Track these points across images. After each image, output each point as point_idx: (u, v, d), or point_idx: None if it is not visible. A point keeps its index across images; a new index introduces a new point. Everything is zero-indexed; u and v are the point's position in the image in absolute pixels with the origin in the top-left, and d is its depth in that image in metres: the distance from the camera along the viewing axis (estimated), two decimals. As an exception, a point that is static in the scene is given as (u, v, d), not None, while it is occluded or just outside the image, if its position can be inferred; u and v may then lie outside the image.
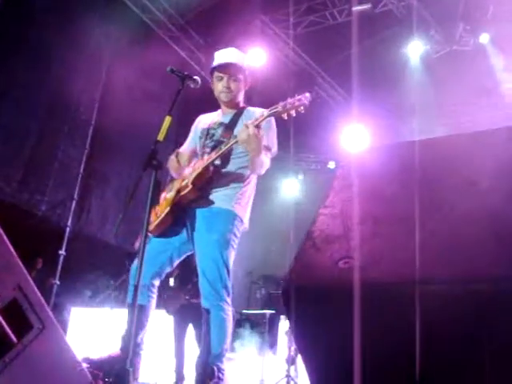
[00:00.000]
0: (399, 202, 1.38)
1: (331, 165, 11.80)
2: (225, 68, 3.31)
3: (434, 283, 1.19)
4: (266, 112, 2.92)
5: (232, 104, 3.36)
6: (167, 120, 2.75)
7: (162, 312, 6.58)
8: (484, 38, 8.39)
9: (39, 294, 1.95)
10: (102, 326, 6.13)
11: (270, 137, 3.20)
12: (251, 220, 3.28)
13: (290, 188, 11.60)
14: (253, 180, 3.31)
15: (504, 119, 8.85)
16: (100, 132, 8.46)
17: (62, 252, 7.56)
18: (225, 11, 8.89)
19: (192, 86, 3.09)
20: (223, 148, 3.05)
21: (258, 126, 2.89)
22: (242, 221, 3.16)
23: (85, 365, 2.73)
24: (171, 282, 5.94)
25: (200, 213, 3.09)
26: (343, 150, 10.37)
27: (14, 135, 7.44)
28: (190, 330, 5.76)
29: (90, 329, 6.66)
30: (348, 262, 1.23)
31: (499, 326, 1.16)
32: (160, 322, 6.35)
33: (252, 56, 9.16)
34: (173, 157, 3.21)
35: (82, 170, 8.14)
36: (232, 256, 3.07)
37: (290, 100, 2.84)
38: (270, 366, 7.02)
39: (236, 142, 2.96)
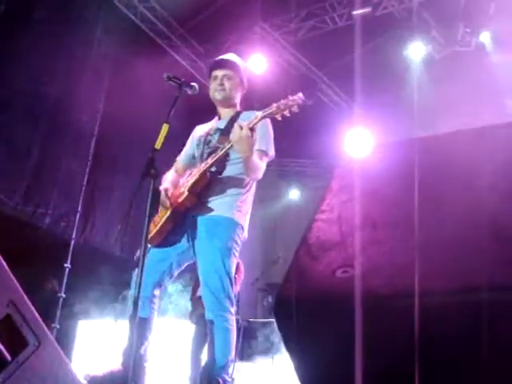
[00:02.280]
0: (398, 205, 1.31)
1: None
2: (219, 64, 3.32)
3: (433, 294, 1.13)
4: (260, 114, 2.89)
5: (226, 104, 3.32)
6: (164, 128, 2.71)
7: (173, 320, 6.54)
8: (485, 37, 8.34)
9: (34, 310, 1.89)
10: (108, 339, 6.09)
11: (267, 140, 3.16)
12: (257, 227, 3.24)
13: (294, 194, 11.55)
14: (252, 187, 3.26)
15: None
16: (103, 143, 8.43)
17: (68, 265, 7.52)
18: (224, 19, 8.88)
19: (190, 92, 3.06)
20: (219, 153, 3.01)
21: (252, 129, 2.84)
22: (242, 228, 3.12)
23: (84, 382, 2.67)
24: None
25: (201, 221, 3.04)
26: (346, 154, 10.30)
27: (16, 148, 7.42)
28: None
29: (96, 341, 6.62)
30: (347, 271, 1.16)
31: (500, 337, 1.11)
32: (174, 331, 6.32)
33: (253, 63, 9.14)
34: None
35: (85, 182, 8.10)
36: (234, 264, 3.02)
37: (283, 101, 2.84)
38: (281, 373, 6.96)
39: (231, 146, 2.92)
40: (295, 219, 10.82)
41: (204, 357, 5.59)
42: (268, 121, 3.17)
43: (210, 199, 3.08)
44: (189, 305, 6.30)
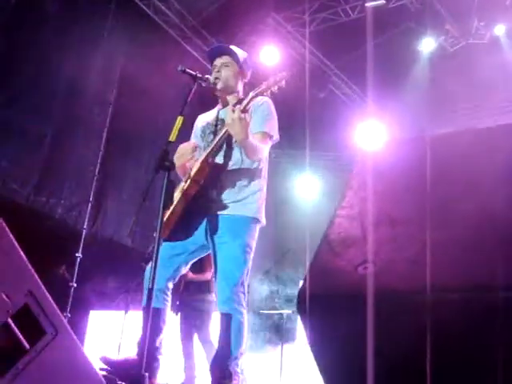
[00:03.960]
0: (414, 202, 1.31)
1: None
2: (217, 52, 3.31)
3: (448, 291, 1.13)
4: (251, 93, 2.91)
5: (226, 93, 3.30)
6: (179, 120, 2.71)
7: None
8: (499, 30, 8.26)
9: (51, 300, 1.91)
10: (119, 329, 6.13)
11: (269, 122, 3.15)
12: (268, 219, 3.25)
13: (306, 186, 11.53)
14: (264, 172, 3.24)
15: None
16: (115, 134, 8.45)
17: (79, 255, 7.57)
18: (237, 11, 8.85)
19: (204, 85, 3.08)
20: (216, 139, 3.01)
21: (244, 110, 2.85)
22: (260, 221, 3.15)
23: (100, 370, 2.70)
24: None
25: (222, 219, 3.06)
26: (359, 147, 10.28)
27: (29, 139, 7.46)
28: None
29: (107, 332, 6.67)
30: (367, 267, 1.17)
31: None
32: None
33: (265, 55, 9.12)
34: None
35: (97, 173, 8.14)
36: (251, 259, 3.07)
37: (271, 78, 2.90)
38: (289, 363, 7.00)
39: (226, 130, 2.93)
40: (306, 211, 10.83)
41: (196, 347, 5.65)
42: (269, 103, 3.18)
43: (227, 197, 3.07)
44: None
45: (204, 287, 5.72)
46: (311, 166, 11.03)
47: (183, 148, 3.09)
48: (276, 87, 2.89)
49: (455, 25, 8.42)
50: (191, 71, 2.97)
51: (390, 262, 1.16)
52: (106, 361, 2.94)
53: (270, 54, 9.15)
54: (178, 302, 5.72)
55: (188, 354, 5.60)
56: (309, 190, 11.38)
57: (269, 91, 2.90)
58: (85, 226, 7.85)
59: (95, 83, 8.14)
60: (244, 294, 3.00)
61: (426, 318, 1.07)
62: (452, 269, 1.16)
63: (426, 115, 9.42)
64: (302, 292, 1.25)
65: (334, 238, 1.26)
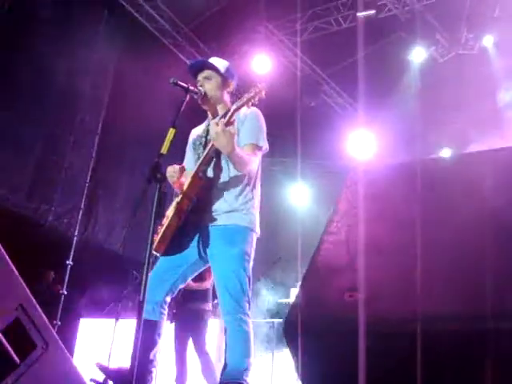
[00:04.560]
0: (403, 229, 1.33)
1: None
2: (195, 67, 3.30)
3: (436, 321, 1.14)
4: (233, 106, 2.93)
5: (212, 106, 3.30)
6: (170, 132, 2.71)
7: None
8: (487, 41, 8.35)
9: (42, 313, 1.92)
10: (109, 337, 6.11)
11: (256, 133, 3.15)
12: (260, 227, 3.25)
13: (298, 195, 11.56)
14: (257, 184, 3.25)
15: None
16: (106, 141, 8.46)
17: (70, 262, 7.55)
18: (229, 19, 8.90)
19: (196, 97, 3.09)
20: (204, 154, 3.03)
21: (229, 123, 2.87)
22: (256, 230, 3.16)
23: (91, 381, 2.70)
24: None
25: (216, 230, 3.06)
26: (350, 156, 10.34)
27: (20, 145, 7.44)
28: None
29: (98, 340, 6.64)
30: (353, 294, 1.18)
31: (506, 370, 1.12)
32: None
33: (257, 63, 9.16)
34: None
35: (88, 180, 8.13)
36: (251, 267, 3.06)
37: (252, 89, 2.89)
38: (280, 370, 7.01)
39: (212, 145, 2.94)
40: (297, 219, 10.85)
41: (189, 356, 5.64)
42: (257, 113, 3.19)
43: (220, 208, 3.08)
44: None
45: (201, 296, 5.71)
46: (302, 174, 11.06)
47: (171, 171, 3.09)
48: (256, 98, 2.90)
49: (445, 35, 8.50)
50: (183, 84, 2.97)
51: (375, 290, 1.17)
52: (101, 367, 2.92)
53: (262, 63, 9.19)
54: (174, 311, 5.70)
55: (181, 364, 5.59)
56: (300, 198, 11.41)
57: (250, 103, 2.91)
58: (76, 233, 7.84)
59: (87, 90, 8.15)
60: (248, 302, 2.98)
61: (410, 346, 1.08)
62: (438, 298, 1.17)
63: (417, 125, 9.49)
64: (288, 318, 1.26)
65: (321, 264, 1.28)
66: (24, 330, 1.86)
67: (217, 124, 2.82)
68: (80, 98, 8.14)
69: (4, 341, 1.79)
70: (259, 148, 3.16)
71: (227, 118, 2.89)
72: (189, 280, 3.26)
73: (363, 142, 9.99)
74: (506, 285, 1.15)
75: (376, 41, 8.73)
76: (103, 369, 2.95)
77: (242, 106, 2.90)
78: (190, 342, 5.70)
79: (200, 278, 5.42)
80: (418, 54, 8.96)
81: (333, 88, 10.36)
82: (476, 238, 1.27)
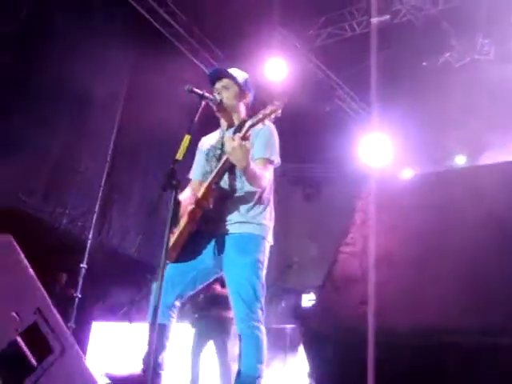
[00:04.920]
0: (415, 242, 1.34)
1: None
2: (215, 75, 3.35)
3: (447, 334, 1.14)
4: (249, 122, 2.94)
5: (227, 115, 3.34)
6: (186, 139, 2.74)
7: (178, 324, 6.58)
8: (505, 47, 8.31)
9: (59, 318, 1.95)
10: (122, 341, 6.15)
11: (270, 147, 3.19)
12: (273, 231, 3.29)
13: (311, 199, 11.57)
14: (271, 198, 3.30)
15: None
16: (122, 146, 8.52)
17: (84, 265, 7.60)
18: (243, 24, 8.93)
19: (211, 104, 3.13)
20: (218, 166, 3.06)
21: (244, 138, 2.89)
22: (268, 240, 3.20)
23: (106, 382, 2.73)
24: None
25: (230, 238, 3.10)
26: (363, 161, 10.32)
27: (36, 148, 7.52)
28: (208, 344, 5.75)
29: (110, 343, 6.68)
30: (365, 306, 1.19)
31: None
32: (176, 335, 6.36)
33: (271, 68, 9.18)
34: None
35: (103, 184, 8.19)
36: (264, 275, 3.09)
37: (269, 106, 2.91)
38: (293, 377, 7.00)
39: (227, 158, 2.97)
40: (310, 224, 10.85)
41: (203, 361, 5.66)
42: (271, 128, 3.22)
43: (233, 218, 3.12)
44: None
45: (224, 302, 5.73)
46: (314, 179, 11.06)
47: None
48: (273, 116, 2.92)
49: (460, 40, 8.47)
50: (198, 90, 3.00)
51: (386, 302, 1.18)
52: (110, 377, 2.96)
53: (275, 68, 9.20)
54: (196, 315, 5.73)
55: (195, 369, 5.61)
56: (312, 203, 11.40)
57: (266, 120, 2.93)
58: (90, 237, 7.89)
59: (103, 95, 8.22)
60: (262, 310, 3.02)
61: (422, 361, 1.08)
62: (447, 312, 1.18)
63: (432, 130, 9.46)
64: (306, 325, 1.28)
65: (337, 274, 1.29)
66: (41, 333, 1.89)
67: (233, 139, 2.85)
68: (95, 103, 8.21)
69: (22, 344, 1.83)
70: (271, 162, 3.20)
71: (243, 132, 2.91)
72: (199, 287, 3.29)
73: (377, 147, 9.96)
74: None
75: (390, 46, 8.71)
76: (113, 378, 2.99)
77: (258, 122, 2.93)
78: (207, 348, 5.71)
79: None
80: (432, 60, 8.92)
81: (347, 93, 10.35)
82: (489, 253, 1.27)
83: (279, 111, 2.91)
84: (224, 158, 3.03)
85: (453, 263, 1.26)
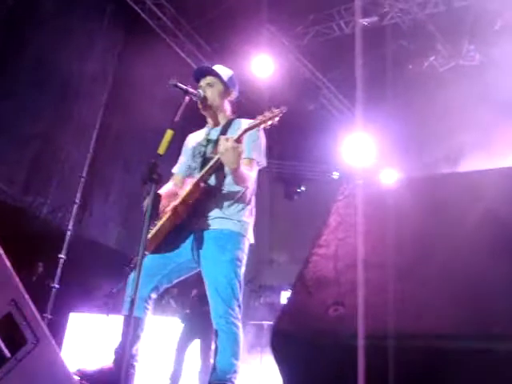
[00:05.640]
0: (393, 245, 1.35)
1: (335, 175, 11.85)
2: (199, 73, 3.37)
3: (413, 338, 1.15)
4: (245, 126, 3.00)
5: (212, 113, 3.36)
6: (168, 134, 2.74)
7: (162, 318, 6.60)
8: (489, 53, 8.39)
9: (34, 309, 1.94)
10: (98, 333, 6.13)
11: (257, 149, 3.22)
12: (254, 229, 3.31)
13: (293, 197, 11.61)
14: (252, 197, 3.33)
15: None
16: (104, 136, 8.46)
17: (62, 255, 7.54)
18: (231, 19, 8.91)
19: (195, 99, 3.13)
20: (209, 165, 3.08)
21: (238, 140, 2.92)
22: (248, 239, 3.22)
23: (77, 378, 2.72)
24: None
25: (209, 234, 3.11)
26: (347, 160, 10.38)
27: (18, 137, 7.45)
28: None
29: (87, 335, 6.65)
30: (337, 309, 1.20)
31: None
32: (159, 329, 6.37)
33: (258, 64, 9.19)
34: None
35: (84, 174, 8.13)
36: (242, 273, 3.11)
37: (266, 113, 2.96)
38: (268, 372, 7.04)
39: (219, 158, 2.98)
40: (290, 222, 10.88)
41: (187, 357, 5.68)
42: (260, 130, 3.25)
43: (213, 214, 3.14)
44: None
45: None
46: (297, 177, 11.09)
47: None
48: (269, 122, 2.95)
49: (446, 45, 8.55)
50: (182, 85, 3.00)
51: (361, 306, 1.19)
52: (81, 373, 2.96)
53: (262, 64, 9.20)
54: (187, 311, 5.76)
55: (179, 363, 5.62)
56: (293, 200, 11.45)
57: (262, 126, 2.96)
58: (70, 227, 7.84)
59: (88, 85, 8.16)
60: (239, 306, 3.04)
61: (390, 365, 1.09)
62: (419, 318, 1.18)
63: (415, 132, 9.54)
64: (275, 328, 1.29)
65: (309, 277, 1.30)
66: (15, 324, 1.88)
67: (226, 140, 2.87)
68: (79, 92, 8.15)
69: (-5, 335, 1.82)
70: (257, 163, 3.22)
71: (237, 136, 2.95)
72: (174, 281, 3.30)
73: (360, 147, 10.03)
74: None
75: (377, 47, 8.76)
76: (84, 374, 2.99)
77: (254, 127, 2.98)
78: (192, 344, 5.74)
79: None
80: (417, 63, 9.00)
81: (332, 92, 10.40)
82: (481, 255, 1.28)
83: (276, 119, 2.94)
84: (215, 158, 3.04)
85: (438, 268, 1.28)
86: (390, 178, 10.69)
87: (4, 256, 1.92)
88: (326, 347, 1.18)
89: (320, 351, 1.20)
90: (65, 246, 7.63)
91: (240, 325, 3.02)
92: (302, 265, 1.35)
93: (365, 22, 7.92)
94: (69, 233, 7.78)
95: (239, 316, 3.03)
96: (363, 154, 9.97)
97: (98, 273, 7.24)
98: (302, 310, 1.24)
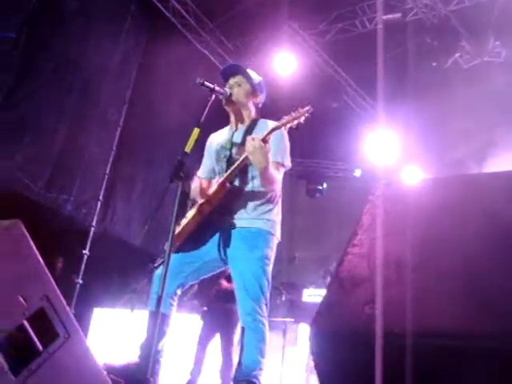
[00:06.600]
0: (426, 246, 1.35)
1: (357, 173, 11.80)
2: (229, 71, 3.39)
3: (444, 337, 1.16)
4: (272, 126, 3.03)
5: (236, 109, 3.36)
6: (195, 132, 2.76)
7: (184, 315, 6.65)
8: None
9: (65, 304, 1.98)
10: (123, 328, 6.20)
11: (282, 151, 3.23)
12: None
13: (315, 194, 11.59)
14: (279, 200, 3.34)
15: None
16: (128, 134, 8.53)
17: (86, 252, 7.65)
18: (254, 17, 8.92)
19: (221, 97, 3.15)
20: (235, 164, 3.09)
21: (264, 140, 2.93)
22: (277, 237, 3.25)
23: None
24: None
25: (238, 233, 3.14)
26: (369, 158, 10.33)
27: (42, 134, 7.53)
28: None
29: (111, 330, 6.73)
30: (372, 307, 1.20)
31: None
32: (181, 326, 6.43)
33: (280, 62, 9.18)
34: (194, 186, 3.27)
35: (108, 171, 8.21)
36: (270, 271, 3.12)
37: (293, 113, 2.98)
38: (289, 374, 7.05)
39: (245, 157, 2.99)
40: (311, 219, 10.87)
41: (208, 354, 5.73)
42: (283, 131, 3.24)
43: (242, 213, 3.15)
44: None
45: (233, 297, 5.78)
46: (320, 175, 11.06)
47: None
48: (295, 122, 2.97)
49: (471, 42, 8.45)
50: (209, 84, 3.01)
51: (395, 305, 1.19)
52: (108, 367, 2.99)
53: (284, 62, 9.19)
54: (205, 308, 5.81)
55: (198, 360, 5.67)
56: (316, 198, 11.43)
57: (288, 126, 2.97)
58: (93, 224, 7.93)
59: (111, 83, 8.23)
60: (266, 305, 3.06)
61: (427, 363, 1.10)
62: (449, 317, 1.18)
63: (439, 130, 9.45)
64: (313, 326, 1.29)
65: (344, 275, 1.31)
66: (48, 319, 1.93)
67: (253, 139, 2.88)
68: (104, 91, 8.22)
69: (29, 328, 1.86)
70: (283, 166, 3.23)
71: (264, 135, 2.97)
72: (201, 278, 3.32)
73: (384, 145, 9.96)
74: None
75: (400, 44, 8.69)
76: (110, 368, 3.02)
77: (281, 127, 3.00)
78: (213, 340, 5.78)
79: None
80: (442, 60, 8.90)
81: (355, 90, 10.35)
82: (496, 259, 1.28)
83: (302, 119, 2.95)
84: (241, 157, 3.05)
85: (459, 270, 1.27)
86: (413, 175, 10.61)
87: (37, 252, 1.97)
88: (360, 344, 1.18)
89: (353, 348, 1.20)
90: (88, 242, 7.74)
91: (266, 323, 3.04)
92: (336, 264, 1.36)
93: (389, 18, 7.85)
94: (92, 229, 7.89)
95: (266, 314, 3.05)
96: (386, 152, 9.91)
97: (122, 269, 7.31)
98: (337, 308, 1.25)
